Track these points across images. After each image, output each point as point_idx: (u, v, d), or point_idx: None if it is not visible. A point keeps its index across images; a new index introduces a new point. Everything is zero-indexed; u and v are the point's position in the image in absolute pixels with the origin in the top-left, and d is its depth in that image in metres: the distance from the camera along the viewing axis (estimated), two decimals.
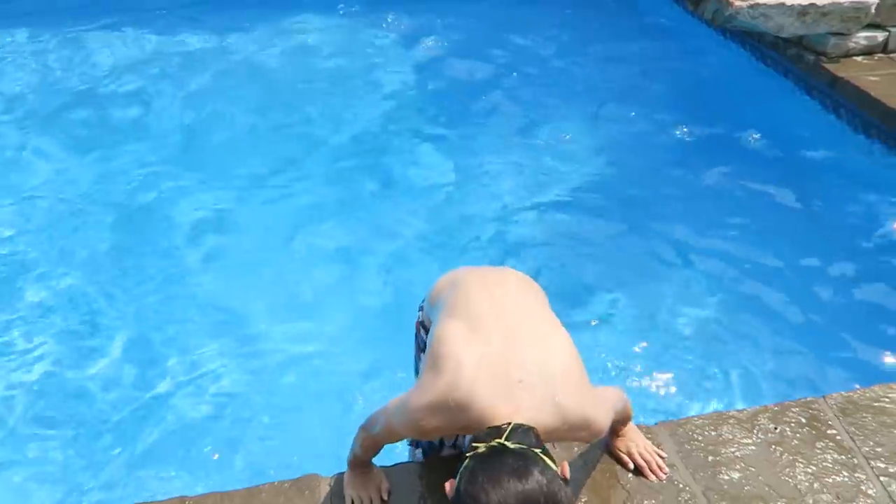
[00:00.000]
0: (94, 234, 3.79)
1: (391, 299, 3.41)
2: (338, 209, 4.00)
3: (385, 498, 1.91)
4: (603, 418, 1.64)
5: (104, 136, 4.57)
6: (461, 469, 1.42)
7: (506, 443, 1.41)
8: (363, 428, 1.80)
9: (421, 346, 1.97)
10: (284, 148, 4.50)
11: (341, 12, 6.13)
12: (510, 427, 1.44)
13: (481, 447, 1.42)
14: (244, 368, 3.06)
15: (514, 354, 1.55)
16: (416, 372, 2.05)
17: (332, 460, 2.18)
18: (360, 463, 1.89)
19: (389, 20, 5.99)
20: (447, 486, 1.42)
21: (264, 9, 5.99)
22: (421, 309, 2.00)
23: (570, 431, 1.57)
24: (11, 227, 3.79)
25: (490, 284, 1.80)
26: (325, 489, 1.98)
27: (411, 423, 1.59)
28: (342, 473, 1.97)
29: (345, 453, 1.93)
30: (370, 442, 1.80)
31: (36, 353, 3.12)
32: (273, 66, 5.40)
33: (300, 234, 3.81)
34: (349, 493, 1.90)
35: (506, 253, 3.71)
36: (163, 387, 2.97)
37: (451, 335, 1.61)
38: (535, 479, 1.32)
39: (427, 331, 1.86)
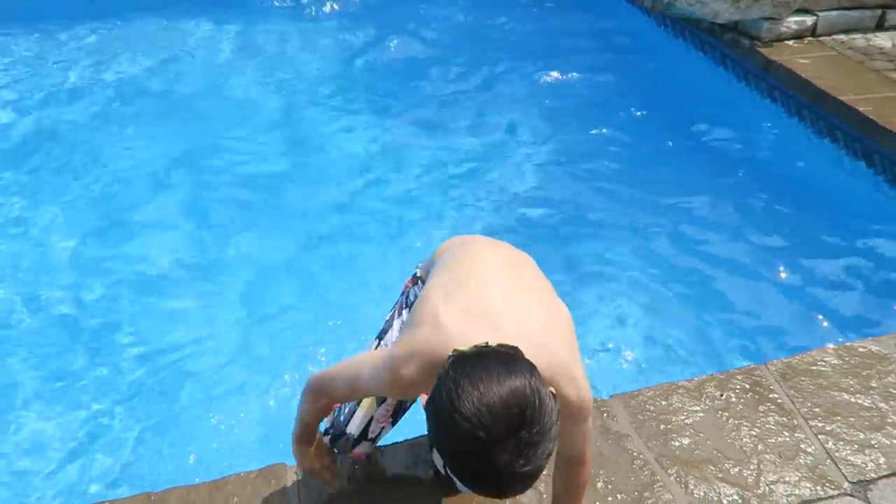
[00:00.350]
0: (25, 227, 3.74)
1: (334, 283, 3.43)
2: (280, 197, 4.01)
3: (337, 466, 1.90)
4: (587, 388, 1.50)
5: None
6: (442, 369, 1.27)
7: (492, 344, 1.29)
8: (315, 389, 1.66)
9: (405, 303, 1.94)
10: (213, 137, 4.48)
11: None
12: (492, 342, 1.33)
13: (465, 349, 1.28)
14: (197, 361, 3.03)
15: (505, 300, 1.50)
16: (379, 333, 1.97)
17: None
18: (308, 434, 1.77)
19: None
20: (422, 397, 1.32)
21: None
22: (418, 267, 1.97)
23: (552, 384, 1.39)
24: None
25: (496, 247, 1.78)
26: (291, 477, 2.01)
27: (389, 374, 1.47)
28: None
29: None
30: (324, 403, 1.67)
31: None
32: (213, 53, 5.43)
33: (241, 224, 3.80)
34: (306, 467, 1.82)
35: (452, 227, 3.75)
36: (113, 382, 2.93)
37: (435, 288, 1.55)
38: (524, 375, 1.21)
39: (423, 282, 1.86)
